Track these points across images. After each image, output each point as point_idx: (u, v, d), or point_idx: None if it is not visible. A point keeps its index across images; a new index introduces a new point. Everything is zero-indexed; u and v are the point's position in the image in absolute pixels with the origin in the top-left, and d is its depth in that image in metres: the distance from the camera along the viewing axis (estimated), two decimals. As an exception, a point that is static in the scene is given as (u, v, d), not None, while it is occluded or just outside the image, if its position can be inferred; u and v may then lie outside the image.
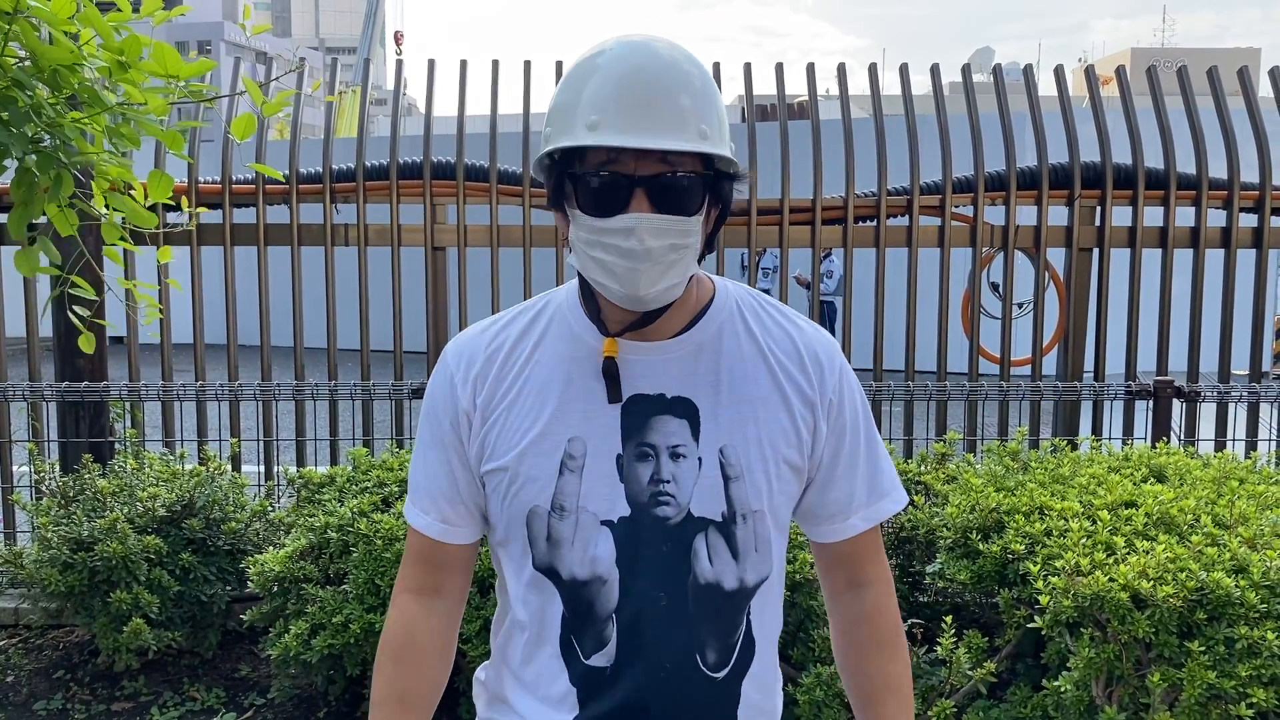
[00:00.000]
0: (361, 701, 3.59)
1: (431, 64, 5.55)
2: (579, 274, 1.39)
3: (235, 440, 4.81)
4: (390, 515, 3.40)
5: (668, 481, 1.34)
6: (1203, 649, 2.77)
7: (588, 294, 1.39)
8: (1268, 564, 2.88)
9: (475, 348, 1.44)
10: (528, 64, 5.49)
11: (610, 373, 1.35)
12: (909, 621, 3.52)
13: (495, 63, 5.49)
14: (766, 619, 1.45)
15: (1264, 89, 5.72)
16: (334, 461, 5.00)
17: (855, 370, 1.55)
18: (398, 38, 42.85)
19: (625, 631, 1.35)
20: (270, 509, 4.19)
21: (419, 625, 1.48)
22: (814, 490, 1.46)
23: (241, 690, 3.87)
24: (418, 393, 4.74)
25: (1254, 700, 2.70)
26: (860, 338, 5.39)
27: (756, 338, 1.41)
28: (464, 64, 5.53)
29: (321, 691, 3.63)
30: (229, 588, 3.97)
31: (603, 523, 1.35)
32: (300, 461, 5.02)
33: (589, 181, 1.27)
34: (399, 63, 6.05)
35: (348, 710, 3.62)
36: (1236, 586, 2.81)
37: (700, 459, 1.35)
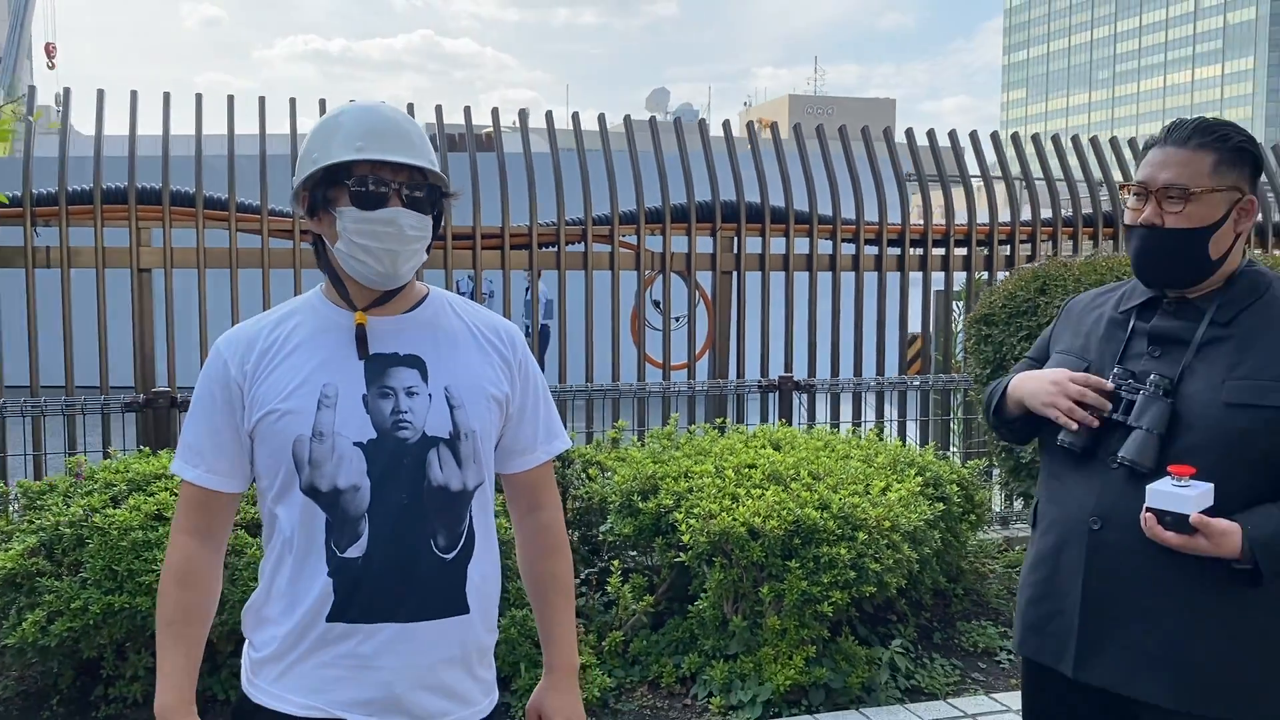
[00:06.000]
0: (93, 688, 3.84)
1: (101, 94, 5.71)
2: (329, 274, 1.89)
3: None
4: (124, 510, 3.72)
5: (406, 412, 1.82)
6: (798, 566, 3.69)
7: (337, 283, 1.88)
8: (843, 502, 3.87)
9: (239, 335, 1.90)
10: (230, 99, 5.84)
11: (360, 336, 1.86)
12: (587, 571, 4.27)
13: (198, 96, 5.80)
14: (484, 520, 1.93)
15: (898, 136, 7.06)
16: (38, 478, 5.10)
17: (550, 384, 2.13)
18: (49, 50, 39.37)
19: (375, 525, 1.81)
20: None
21: (197, 555, 1.87)
22: (510, 429, 2.00)
23: (-41, 696, 3.97)
24: (130, 406, 4.98)
25: (833, 600, 3.66)
26: (550, 348, 6.15)
27: (463, 318, 1.97)
28: (167, 96, 5.78)
29: (52, 683, 3.84)
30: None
31: (355, 444, 1.78)
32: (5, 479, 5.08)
33: (362, 185, 1.75)
34: (67, 91, 6.02)
35: (80, 696, 3.85)
36: (821, 519, 3.77)
37: (430, 395, 1.83)
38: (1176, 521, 1.91)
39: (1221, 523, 1.90)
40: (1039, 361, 2.33)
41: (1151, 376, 2.05)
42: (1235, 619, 1.99)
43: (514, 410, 1.98)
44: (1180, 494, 1.91)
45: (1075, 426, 2.06)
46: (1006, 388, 2.24)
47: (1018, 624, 2.26)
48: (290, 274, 5.80)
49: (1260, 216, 7.50)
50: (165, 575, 1.89)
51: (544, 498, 2.07)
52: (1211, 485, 1.92)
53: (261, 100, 5.74)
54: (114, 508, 3.82)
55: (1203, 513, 1.90)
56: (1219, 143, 2.04)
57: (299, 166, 1.88)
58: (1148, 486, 1.94)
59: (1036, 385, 2.14)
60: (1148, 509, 1.94)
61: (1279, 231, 7.51)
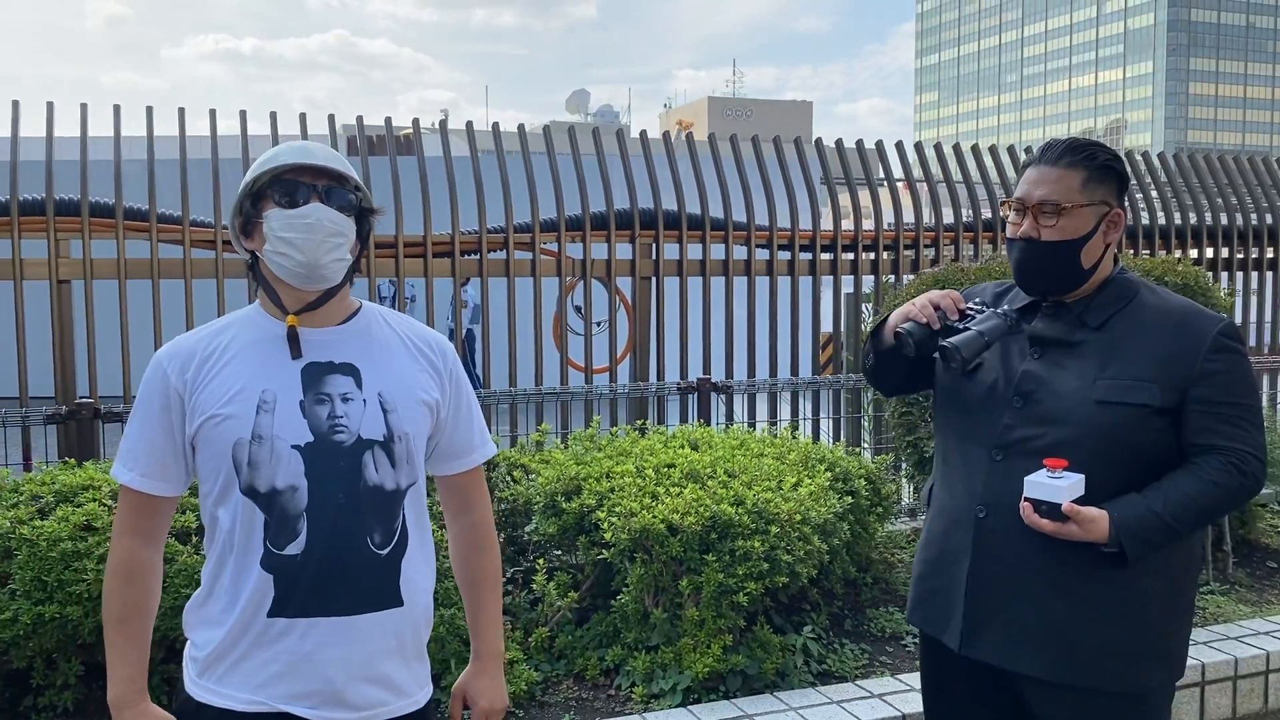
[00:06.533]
0: (22, 698, 3.86)
1: (16, 105, 5.69)
2: (263, 285, 1.99)
3: None
4: (52, 521, 3.75)
5: (342, 417, 1.90)
6: (715, 559, 3.88)
7: (270, 292, 1.99)
8: (756, 497, 4.07)
9: (179, 346, 2.00)
10: (149, 110, 5.84)
11: (291, 336, 1.95)
12: (512, 570, 4.41)
13: (116, 108, 5.79)
14: (418, 517, 2.05)
15: (817, 137, 7.30)
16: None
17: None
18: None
19: (313, 524, 1.91)
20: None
21: (140, 555, 1.97)
22: (446, 435, 2.12)
23: (-119, 712, 3.95)
24: (53, 418, 4.97)
25: (749, 590, 3.85)
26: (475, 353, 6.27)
27: (395, 329, 2.09)
28: (84, 107, 5.77)
29: (-21, 695, 3.86)
30: None
31: (293, 447, 1.87)
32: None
33: (286, 186, 1.91)
34: None
35: (9, 706, 3.87)
36: (736, 514, 3.96)
37: (365, 400, 1.93)
38: (1051, 510, 2.13)
39: (1091, 510, 2.12)
40: None
41: (1004, 307, 2.29)
42: (1104, 598, 2.21)
43: (446, 416, 2.10)
44: (1054, 485, 2.13)
45: (924, 320, 2.28)
46: (887, 319, 2.42)
47: (910, 596, 2.48)
48: (213, 284, 5.83)
49: (1147, 219, 7.94)
50: (109, 575, 1.98)
51: (475, 499, 2.21)
52: (1082, 476, 2.15)
53: (181, 111, 5.76)
54: (41, 519, 3.85)
55: (1074, 502, 2.12)
56: (1087, 161, 2.28)
57: (236, 202, 1.99)
58: (1025, 478, 2.16)
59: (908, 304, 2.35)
60: (1026, 498, 2.16)
61: (1164, 235, 7.96)
